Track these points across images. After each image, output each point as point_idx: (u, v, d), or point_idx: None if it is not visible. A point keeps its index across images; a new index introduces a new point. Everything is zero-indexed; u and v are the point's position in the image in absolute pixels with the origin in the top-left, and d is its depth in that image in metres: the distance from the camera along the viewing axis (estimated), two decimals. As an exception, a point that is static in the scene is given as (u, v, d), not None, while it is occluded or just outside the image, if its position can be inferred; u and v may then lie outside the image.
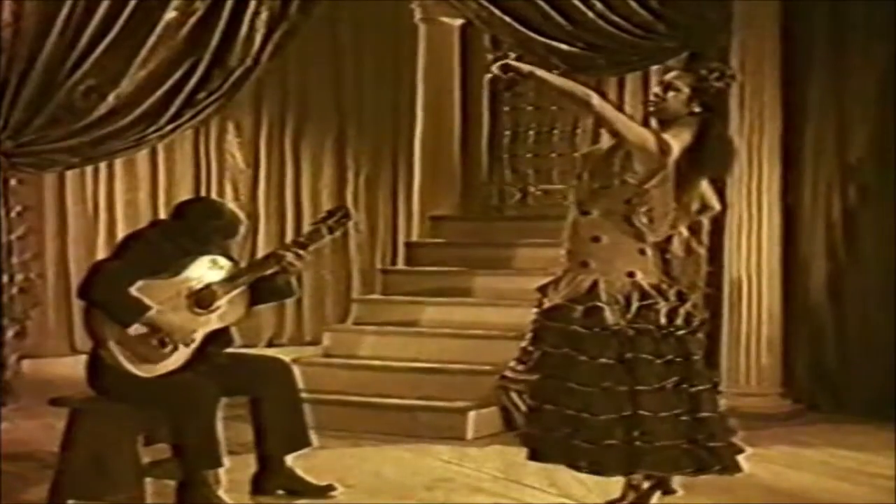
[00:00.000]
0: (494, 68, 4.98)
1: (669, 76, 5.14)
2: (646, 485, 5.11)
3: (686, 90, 5.03)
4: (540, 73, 4.97)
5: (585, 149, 5.22)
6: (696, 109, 5.03)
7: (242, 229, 5.75)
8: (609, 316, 4.91)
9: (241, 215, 5.86)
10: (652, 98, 5.13)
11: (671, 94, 5.03)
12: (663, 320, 4.94)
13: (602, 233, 4.98)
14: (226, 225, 5.60)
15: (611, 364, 4.88)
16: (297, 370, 5.79)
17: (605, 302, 4.91)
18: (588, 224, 5.00)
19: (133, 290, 5.27)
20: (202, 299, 5.39)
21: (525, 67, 4.95)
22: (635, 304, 4.93)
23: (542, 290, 5.08)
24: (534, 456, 5.01)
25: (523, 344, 5.07)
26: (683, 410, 4.91)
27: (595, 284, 4.94)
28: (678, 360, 4.94)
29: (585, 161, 5.16)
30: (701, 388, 4.96)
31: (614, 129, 4.97)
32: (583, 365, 4.87)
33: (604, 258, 4.98)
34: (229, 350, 5.62)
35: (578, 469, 4.97)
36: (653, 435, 4.85)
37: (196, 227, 5.51)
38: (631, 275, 4.97)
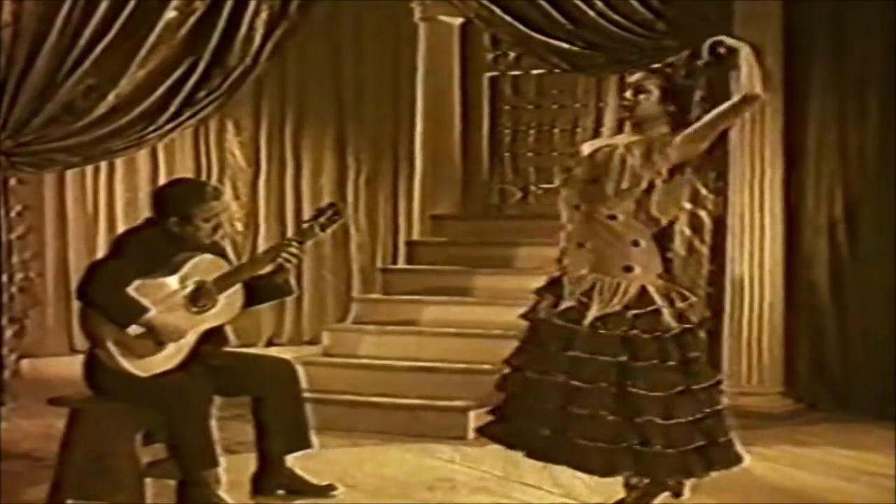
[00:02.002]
0: (706, 47, 4.98)
1: (635, 78, 5.12)
2: (645, 481, 5.10)
3: (656, 91, 5.04)
4: (746, 49, 4.92)
5: (583, 151, 5.16)
6: (671, 108, 5.05)
7: (225, 198, 5.75)
8: (668, 319, 4.93)
9: (222, 189, 5.87)
10: (624, 102, 5.14)
11: (642, 96, 5.05)
12: (695, 318, 5.00)
13: (639, 237, 5.00)
14: (206, 189, 5.56)
15: (673, 366, 4.91)
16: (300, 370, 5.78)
17: (663, 305, 4.93)
18: (623, 228, 4.98)
19: (130, 290, 5.26)
20: (198, 298, 5.37)
21: (734, 43, 4.96)
22: (679, 305, 4.96)
23: (555, 294, 5.05)
24: (535, 455, 5.03)
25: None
26: (704, 411, 4.95)
27: (644, 289, 4.95)
28: (698, 358, 5.00)
29: (595, 164, 5.07)
30: (708, 385, 5.02)
31: (731, 123, 5.12)
32: (642, 370, 4.88)
33: (643, 262, 4.99)
34: (233, 350, 5.62)
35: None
36: (684, 438, 4.89)
37: (179, 202, 5.45)
38: (660, 276, 5.01)
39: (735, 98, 5.01)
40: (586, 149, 5.20)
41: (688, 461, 4.94)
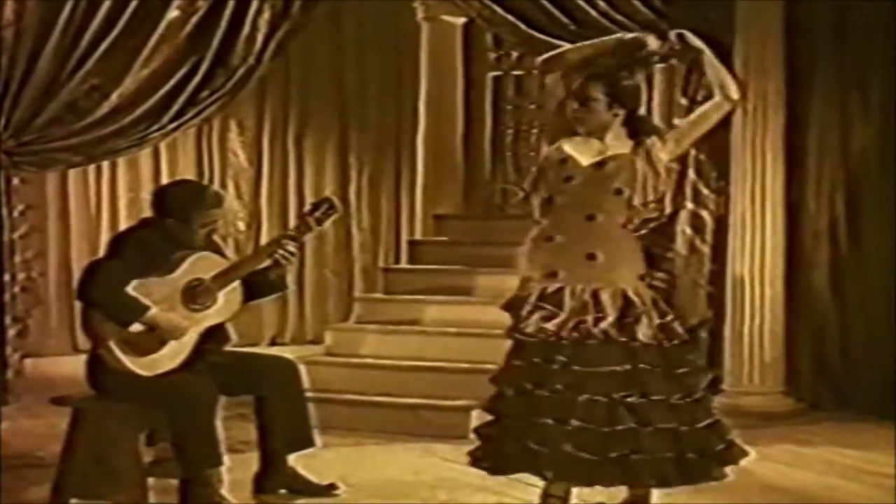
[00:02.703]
0: (673, 34, 5.01)
1: (578, 87, 5.01)
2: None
3: (602, 98, 4.97)
4: (708, 53, 4.98)
5: (577, 158, 5.03)
6: (619, 112, 5.00)
7: (226, 203, 5.74)
8: (677, 325, 4.95)
9: (223, 194, 5.86)
10: (574, 114, 5.02)
11: (591, 103, 4.97)
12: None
13: (637, 244, 5.02)
14: (208, 195, 5.58)
15: (689, 372, 4.95)
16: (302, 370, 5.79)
17: (672, 313, 4.94)
18: (631, 236, 4.99)
19: (129, 290, 5.26)
20: (197, 296, 5.38)
21: (698, 43, 4.99)
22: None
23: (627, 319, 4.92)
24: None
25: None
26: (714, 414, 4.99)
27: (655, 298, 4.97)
28: None
29: (611, 174, 4.98)
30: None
31: (712, 125, 5.07)
32: (676, 378, 4.90)
33: (645, 268, 5.00)
34: (235, 349, 5.63)
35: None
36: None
37: (179, 205, 5.46)
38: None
39: (713, 101, 5.04)
40: (575, 153, 5.03)
41: (709, 465, 4.95)
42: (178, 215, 5.44)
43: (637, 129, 5.04)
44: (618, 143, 5.01)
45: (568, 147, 5.07)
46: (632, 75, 5.07)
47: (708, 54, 4.98)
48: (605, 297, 4.89)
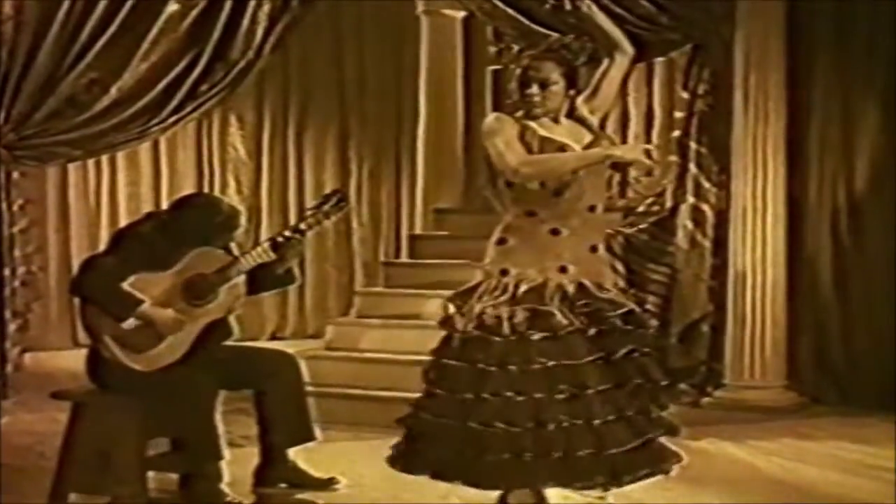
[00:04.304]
0: None
1: (542, 73, 4.77)
2: None
3: (562, 81, 4.77)
4: (594, 8, 4.94)
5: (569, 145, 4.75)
6: (573, 93, 4.84)
7: (243, 223, 5.70)
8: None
9: (240, 209, 5.81)
10: (534, 100, 4.76)
11: (554, 87, 4.75)
12: None
13: None
14: (225, 220, 5.56)
15: None
16: (302, 363, 5.77)
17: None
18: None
19: (126, 285, 5.25)
20: (198, 291, 5.36)
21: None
22: None
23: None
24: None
25: None
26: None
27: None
28: None
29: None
30: None
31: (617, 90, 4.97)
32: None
33: None
34: (235, 344, 5.61)
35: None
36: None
37: (195, 223, 5.46)
38: None
39: (610, 61, 4.93)
40: (568, 140, 4.79)
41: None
42: (191, 230, 5.42)
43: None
44: (570, 122, 4.84)
45: (550, 132, 4.79)
46: (587, 51, 5.01)
47: (594, 10, 4.87)
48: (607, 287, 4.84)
